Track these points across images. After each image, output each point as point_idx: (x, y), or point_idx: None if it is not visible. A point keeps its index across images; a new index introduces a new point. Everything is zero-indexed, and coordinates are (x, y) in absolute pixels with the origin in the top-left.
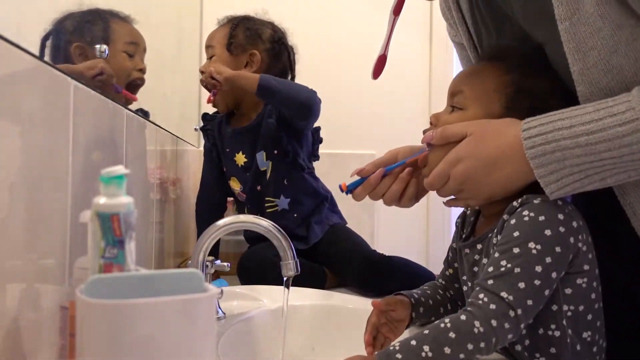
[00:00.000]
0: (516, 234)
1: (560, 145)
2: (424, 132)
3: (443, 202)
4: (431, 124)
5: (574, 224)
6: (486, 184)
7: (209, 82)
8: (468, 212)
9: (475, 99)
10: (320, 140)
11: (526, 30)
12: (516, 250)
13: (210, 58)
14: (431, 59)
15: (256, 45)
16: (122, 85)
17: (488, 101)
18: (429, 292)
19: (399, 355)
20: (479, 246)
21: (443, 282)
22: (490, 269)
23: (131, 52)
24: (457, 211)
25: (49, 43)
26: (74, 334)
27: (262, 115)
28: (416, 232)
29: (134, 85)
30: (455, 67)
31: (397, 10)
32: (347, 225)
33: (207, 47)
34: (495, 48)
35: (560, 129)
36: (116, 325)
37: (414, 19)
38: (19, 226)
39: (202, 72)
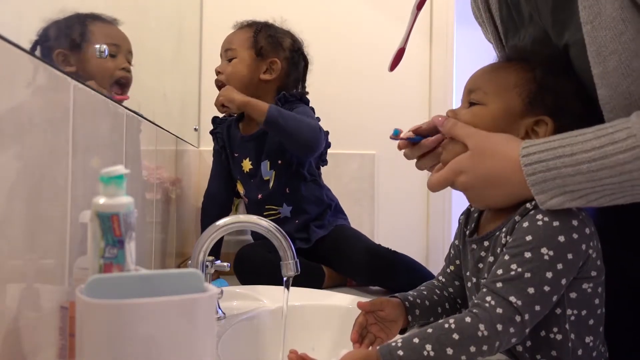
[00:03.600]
0: (529, 238)
1: (561, 173)
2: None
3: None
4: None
5: (587, 230)
6: (486, 197)
7: (219, 109)
8: (472, 208)
9: (495, 95)
10: (329, 145)
11: (553, 34)
12: (528, 254)
13: (229, 60)
14: (431, 59)
15: (277, 53)
16: (106, 85)
17: (509, 97)
18: (425, 292)
19: (400, 352)
20: (485, 243)
21: (443, 280)
22: (500, 271)
23: (112, 52)
24: (458, 211)
25: (36, 53)
26: (74, 334)
27: None
28: (416, 232)
29: (121, 84)
30: (456, 67)
31: (420, 5)
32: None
33: (227, 49)
34: (515, 49)
35: (562, 156)
36: (116, 325)
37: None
38: (19, 226)
39: (218, 73)
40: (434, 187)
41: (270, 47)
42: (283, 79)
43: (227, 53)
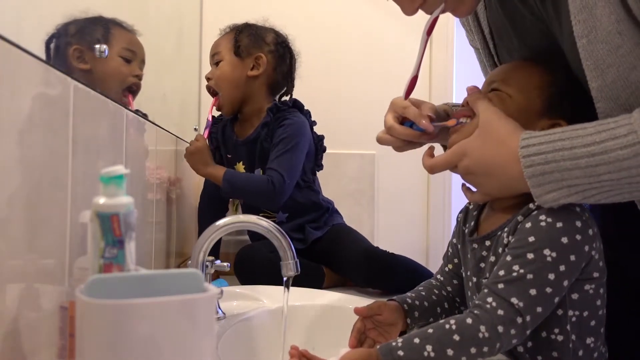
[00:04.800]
0: (531, 239)
1: (560, 167)
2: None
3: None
4: (463, 106)
5: (590, 231)
6: (483, 185)
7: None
8: (470, 206)
9: (520, 90)
10: (324, 150)
11: (565, 49)
12: (530, 256)
13: (216, 64)
14: (431, 59)
15: (261, 48)
16: (118, 88)
17: (530, 96)
18: (423, 293)
19: (400, 352)
20: (487, 242)
21: (441, 279)
22: (501, 272)
23: (128, 57)
24: (458, 210)
25: (51, 46)
26: (74, 334)
27: (259, 134)
28: (416, 232)
29: (131, 90)
30: (456, 67)
31: (430, 30)
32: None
33: (213, 54)
34: (536, 52)
35: (561, 149)
36: (116, 325)
37: (414, 20)
38: (19, 226)
39: (208, 79)
40: (436, 168)
41: (253, 43)
42: (271, 74)
43: (214, 58)
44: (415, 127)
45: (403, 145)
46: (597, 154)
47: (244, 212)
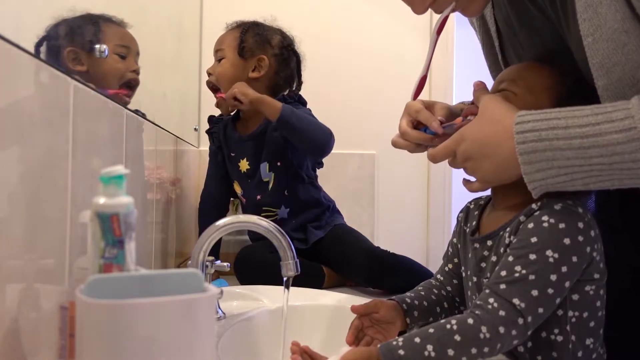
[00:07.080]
0: (534, 239)
1: (552, 145)
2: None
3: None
4: (472, 104)
5: (592, 233)
6: (480, 169)
7: (230, 102)
8: (471, 206)
9: (529, 91)
10: None
11: (573, 48)
12: (532, 256)
13: (219, 61)
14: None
15: (265, 50)
16: (116, 85)
17: (539, 97)
18: (423, 293)
19: (401, 352)
20: (489, 242)
21: (441, 279)
22: (503, 272)
23: (123, 53)
24: (457, 210)
25: (42, 49)
26: (74, 334)
27: (267, 125)
28: (416, 232)
29: (129, 86)
30: (456, 67)
31: (439, 29)
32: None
33: (217, 50)
34: (547, 54)
35: (555, 128)
36: (116, 325)
37: (414, 19)
38: (19, 226)
39: (209, 74)
40: (437, 157)
41: (257, 44)
42: (272, 77)
43: (217, 54)
44: (428, 130)
45: (416, 148)
46: (591, 136)
47: (244, 213)
